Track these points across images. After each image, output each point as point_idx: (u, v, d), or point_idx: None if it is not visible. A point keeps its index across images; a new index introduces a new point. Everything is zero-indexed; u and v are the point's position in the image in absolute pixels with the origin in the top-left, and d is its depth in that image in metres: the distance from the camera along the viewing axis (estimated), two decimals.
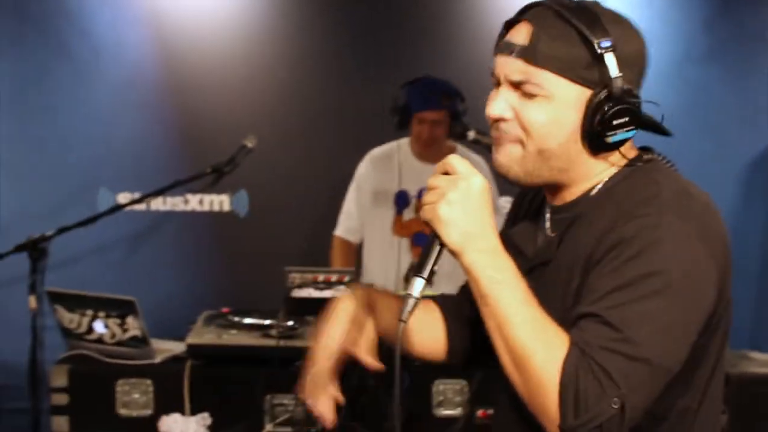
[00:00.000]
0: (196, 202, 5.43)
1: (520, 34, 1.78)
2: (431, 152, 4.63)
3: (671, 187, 1.72)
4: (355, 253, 4.88)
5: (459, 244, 1.67)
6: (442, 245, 1.70)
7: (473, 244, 1.67)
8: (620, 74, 1.72)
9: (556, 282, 1.78)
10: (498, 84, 1.83)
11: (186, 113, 5.45)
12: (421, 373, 3.69)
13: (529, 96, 1.76)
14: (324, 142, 5.48)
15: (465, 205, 1.67)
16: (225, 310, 4.08)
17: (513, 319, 1.64)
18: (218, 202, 5.43)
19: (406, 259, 4.69)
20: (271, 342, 3.68)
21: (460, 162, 1.71)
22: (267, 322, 3.83)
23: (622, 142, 1.78)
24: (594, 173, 1.83)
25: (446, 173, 1.71)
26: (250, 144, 3.89)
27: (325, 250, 4.89)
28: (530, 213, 2.01)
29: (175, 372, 3.67)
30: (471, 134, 3.92)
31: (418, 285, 1.70)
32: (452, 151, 4.65)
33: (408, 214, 4.70)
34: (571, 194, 1.86)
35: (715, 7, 5.68)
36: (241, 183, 5.20)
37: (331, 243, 4.88)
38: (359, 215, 4.80)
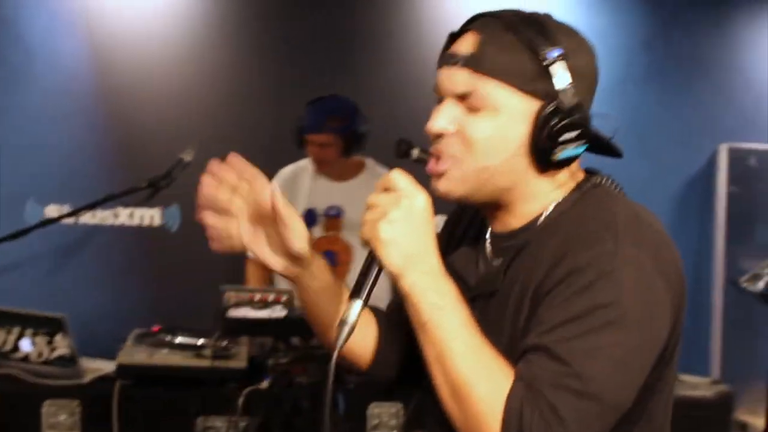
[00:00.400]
0: (126, 216, 5.30)
1: (466, 44, 1.69)
2: (336, 171, 4.61)
3: (625, 214, 1.63)
4: (267, 271, 4.77)
5: (399, 265, 1.58)
6: (381, 266, 1.61)
7: (414, 266, 1.58)
8: (570, 86, 1.64)
9: (502, 313, 1.68)
10: (441, 100, 1.73)
11: (120, 123, 5.31)
12: (357, 395, 3.62)
13: (475, 110, 1.67)
14: (260, 156, 5.34)
15: (407, 224, 1.58)
16: (156, 328, 3.97)
17: (454, 348, 1.54)
18: (149, 216, 5.31)
19: None
20: (205, 362, 3.59)
21: (402, 178, 1.60)
22: (200, 341, 3.73)
23: (570, 160, 1.69)
24: (540, 194, 1.73)
25: (387, 190, 1.61)
26: (187, 158, 3.79)
27: None
28: (468, 237, 1.91)
29: (104, 393, 3.56)
30: (415, 152, 3.84)
31: (355, 308, 1.59)
32: (360, 165, 4.67)
33: (317, 233, 4.63)
34: (515, 220, 1.76)
35: (654, 29, 5.72)
36: (172, 197, 5.08)
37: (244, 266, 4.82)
38: None
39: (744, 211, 5.91)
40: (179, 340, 3.81)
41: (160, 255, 5.33)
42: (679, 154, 5.76)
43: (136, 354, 3.68)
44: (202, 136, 5.09)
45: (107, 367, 3.75)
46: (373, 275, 1.62)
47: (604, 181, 1.75)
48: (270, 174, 4.77)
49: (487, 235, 1.84)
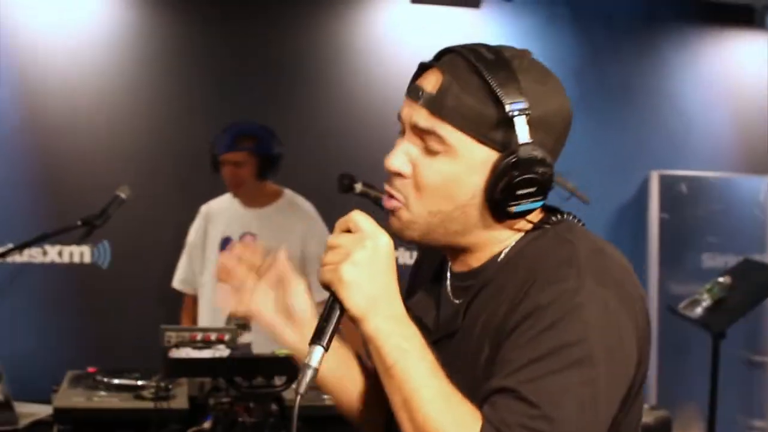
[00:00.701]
0: (55, 254, 5.17)
1: (429, 82, 1.63)
2: (251, 197, 4.61)
3: (586, 247, 1.59)
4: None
5: (362, 309, 1.52)
6: (342, 310, 1.54)
7: (378, 309, 1.53)
8: (530, 141, 1.57)
9: (463, 354, 1.63)
10: (403, 130, 1.67)
11: (48, 159, 5.17)
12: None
13: (432, 152, 1.61)
14: (192, 194, 5.31)
15: (371, 266, 1.52)
16: (91, 369, 3.88)
17: (421, 393, 1.49)
18: (78, 253, 5.19)
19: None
20: (146, 404, 3.50)
21: (364, 219, 1.55)
22: (140, 382, 3.65)
23: (526, 212, 1.64)
24: (497, 240, 1.68)
25: (349, 231, 1.56)
26: (123, 195, 3.71)
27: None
28: (427, 280, 1.86)
29: None
30: (358, 187, 3.84)
31: (317, 354, 1.52)
32: (277, 194, 4.69)
33: None
34: (475, 259, 1.71)
35: (584, 58, 5.77)
36: (102, 234, 4.98)
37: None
38: (187, 267, 4.73)
39: (675, 237, 5.99)
40: (117, 381, 3.72)
41: (92, 293, 5.20)
42: (611, 181, 5.81)
43: (73, 397, 3.58)
44: (129, 171, 5.08)
45: (42, 411, 3.65)
46: (335, 319, 1.55)
47: (565, 217, 1.71)
48: (206, 199, 4.81)
49: (448, 275, 1.79)
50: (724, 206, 6.07)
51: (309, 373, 1.51)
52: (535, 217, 1.69)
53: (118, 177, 4.27)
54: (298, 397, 1.51)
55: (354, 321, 1.54)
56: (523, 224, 1.68)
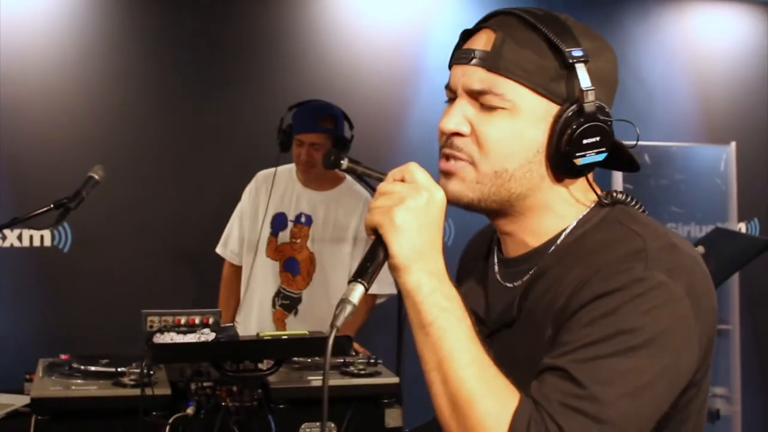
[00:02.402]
0: (14, 238, 5.04)
1: (481, 41, 1.62)
2: (316, 179, 4.56)
3: (658, 242, 1.55)
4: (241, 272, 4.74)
5: (407, 258, 1.49)
6: (386, 257, 1.52)
7: (422, 262, 1.50)
8: (592, 88, 1.56)
9: (524, 343, 1.60)
10: (452, 99, 1.65)
11: (11, 143, 5.05)
12: (288, 416, 3.49)
13: (490, 108, 1.59)
14: (153, 174, 5.22)
15: (423, 217, 1.50)
16: (64, 356, 3.75)
17: (458, 356, 1.46)
18: (38, 237, 5.06)
19: (276, 284, 4.57)
20: (126, 391, 3.39)
21: (421, 171, 1.54)
22: (119, 369, 3.54)
23: (590, 167, 1.62)
24: (556, 207, 1.65)
25: (404, 181, 1.54)
26: (96, 176, 3.58)
27: (157, 286, 4.65)
28: (473, 270, 1.83)
29: (19, 430, 3.32)
30: (344, 163, 3.77)
31: (357, 291, 1.50)
32: (339, 180, 4.64)
33: (283, 237, 4.57)
34: (531, 238, 1.68)
35: None
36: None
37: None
38: (239, 237, 4.66)
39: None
40: (93, 368, 3.61)
41: (54, 277, 5.10)
42: None
43: (50, 386, 3.44)
44: (94, 152, 4.97)
45: (18, 401, 3.53)
46: (377, 264, 1.53)
47: (624, 198, 1.67)
48: (165, 182, 4.71)
49: (496, 261, 1.77)
50: (686, 176, 6.08)
51: (348, 308, 1.48)
52: (592, 193, 1.67)
53: (80, 160, 4.17)
54: (334, 331, 1.47)
55: (395, 269, 1.51)
56: (582, 194, 1.66)
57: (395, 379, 3.71)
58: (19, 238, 5.05)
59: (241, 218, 4.67)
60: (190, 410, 3.33)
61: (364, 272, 1.51)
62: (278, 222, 4.58)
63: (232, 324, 3.56)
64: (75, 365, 3.63)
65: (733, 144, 6.05)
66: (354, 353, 3.75)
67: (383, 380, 3.70)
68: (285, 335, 3.36)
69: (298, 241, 4.56)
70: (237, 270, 4.73)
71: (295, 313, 4.54)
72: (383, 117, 5.63)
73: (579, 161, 1.59)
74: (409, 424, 3.73)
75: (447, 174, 1.64)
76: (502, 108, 1.58)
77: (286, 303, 4.56)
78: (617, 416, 1.42)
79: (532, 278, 1.65)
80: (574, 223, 1.65)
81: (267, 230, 4.59)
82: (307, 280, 4.55)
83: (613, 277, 1.49)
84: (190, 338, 3.22)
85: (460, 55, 1.64)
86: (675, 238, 1.58)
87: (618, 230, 1.59)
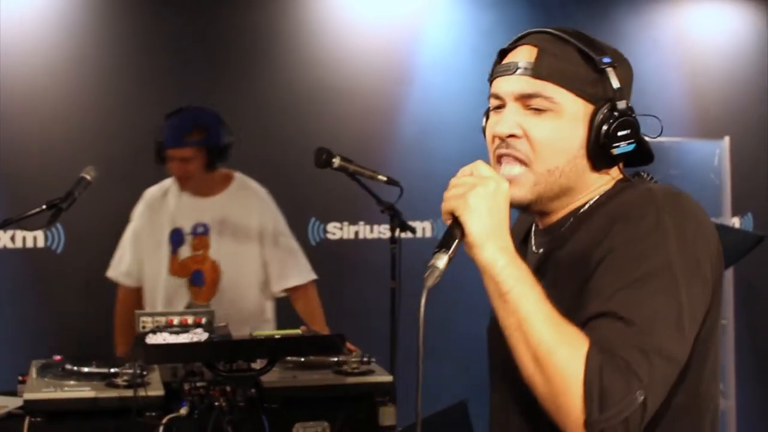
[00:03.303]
0: (7, 239, 5.03)
1: (523, 55, 1.87)
2: (200, 187, 4.47)
3: (663, 190, 1.80)
4: (138, 296, 4.61)
5: (482, 236, 1.72)
6: (462, 235, 1.74)
7: (495, 239, 1.73)
8: (621, 86, 1.84)
9: (552, 297, 1.76)
10: (499, 107, 1.89)
11: (5, 142, 5.04)
12: (281, 415, 3.49)
13: (537, 111, 1.84)
14: (146, 176, 5.19)
15: (492, 202, 1.73)
16: (57, 357, 3.75)
17: (534, 317, 1.67)
18: (31, 237, 5.05)
19: (184, 300, 4.48)
20: (120, 392, 3.39)
21: (487, 167, 1.79)
22: (112, 370, 3.53)
23: (622, 156, 1.88)
24: (591, 187, 1.92)
25: (472, 175, 1.78)
26: (89, 176, 3.57)
27: None
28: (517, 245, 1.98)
29: None
30: (336, 161, 3.79)
31: (443, 259, 1.73)
32: (227, 179, 4.54)
33: (184, 252, 4.49)
34: (563, 211, 1.94)
35: (539, 25, 5.64)
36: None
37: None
38: (132, 258, 4.55)
39: None
40: (86, 369, 3.60)
41: (48, 278, 5.09)
42: None
43: (43, 387, 3.44)
44: (86, 152, 4.96)
45: (11, 403, 3.51)
46: (455, 242, 1.75)
47: (643, 175, 1.96)
48: (143, 186, 4.70)
49: (532, 236, 2.05)
50: (679, 171, 6.05)
51: (435, 273, 1.72)
52: (615, 173, 1.94)
53: (72, 161, 4.16)
54: (426, 292, 1.71)
55: (471, 247, 1.74)
56: (614, 172, 1.93)
57: (389, 378, 3.70)
58: (12, 239, 5.05)
59: (135, 239, 4.56)
60: (183, 410, 3.32)
61: (448, 245, 1.74)
62: (176, 238, 4.47)
63: (225, 324, 3.55)
64: (68, 366, 3.63)
65: (727, 139, 6.05)
66: (347, 351, 3.75)
67: (377, 379, 3.70)
68: (278, 334, 3.34)
69: (200, 252, 4.46)
70: (133, 293, 4.60)
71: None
72: (376, 115, 5.62)
73: (615, 151, 1.85)
74: (403, 422, 3.72)
75: (506, 171, 1.88)
76: (548, 110, 1.84)
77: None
78: (667, 347, 1.65)
79: (558, 240, 1.91)
80: (599, 195, 1.92)
81: (167, 248, 4.49)
82: (213, 289, 4.46)
83: (630, 224, 1.74)
84: (183, 338, 3.21)
85: (504, 68, 1.89)
86: (679, 190, 1.82)
87: (630, 192, 1.86)
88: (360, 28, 5.56)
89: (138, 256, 4.54)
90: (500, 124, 1.86)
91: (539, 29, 1.91)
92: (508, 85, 1.87)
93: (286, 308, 4.61)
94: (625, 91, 1.87)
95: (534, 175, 1.86)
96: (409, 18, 5.67)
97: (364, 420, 3.63)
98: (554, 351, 1.64)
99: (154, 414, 3.35)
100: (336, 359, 3.75)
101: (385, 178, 3.90)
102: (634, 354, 1.61)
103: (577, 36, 1.87)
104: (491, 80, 1.93)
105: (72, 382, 3.51)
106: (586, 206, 1.91)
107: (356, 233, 5.62)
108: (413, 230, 4.09)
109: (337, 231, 5.59)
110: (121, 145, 5.19)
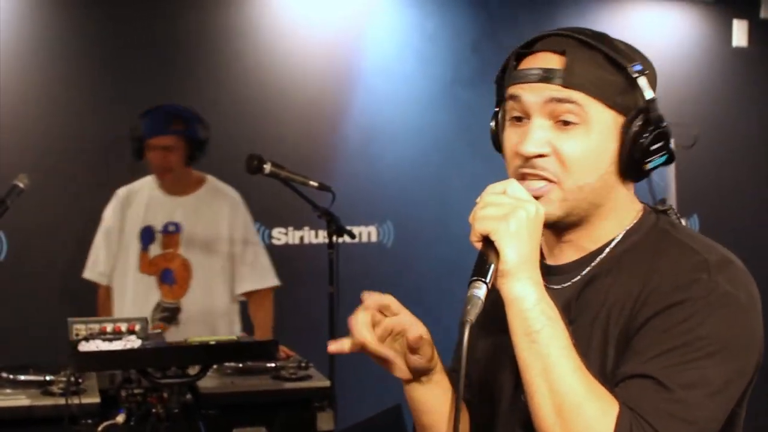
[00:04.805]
0: None
1: (549, 61, 1.67)
2: (176, 183, 4.50)
3: (713, 254, 1.63)
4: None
5: (517, 265, 1.55)
6: (495, 262, 1.56)
7: (528, 271, 1.56)
8: (655, 96, 1.66)
9: (578, 342, 1.62)
10: (519, 118, 1.70)
11: None
12: (219, 421, 3.50)
13: (566, 125, 1.66)
14: (90, 182, 5.18)
15: (532, 227, 1.57)
16: None
17: (565, 363, 1.53)
18: None
19: (155, 298, 4.48)
20: (55, 400, 3.39)
21: (523, 190, 1.60)
22: (47, 377, 3.53)
23: (654, 169, 1.72)
24: (620, 208, 1.73)
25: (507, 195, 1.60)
26: (21, 184, 3.55)
27: (91, 296, 4.61)
28: None
29: None
30: (267, 167, 3.80)
31: (482, 289, 1.54)
32: (200, 180, 4.57)
33: (154, 250, 4.49)
34: (587, 246, 1.75)
35: (482, 30, 5.76)
36: None
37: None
38: (107, 257, 4.54)
39: None
40: (23, 377, 3.60)
41: None
42: None
43: None
44: (29, 158, 4.94)
45: None
46: (491, 268, 1.56)
47: (665, 208, 1.77)
48: (105, 188, 4.68)
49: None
50: None
51: (478, 304, 1.53)
52: (635, 201, 1.75)
53: (13, 167, 4.14)
54: (468, 324, 1.52)
55: (504, 275, 1.56)
56: (633, 199, 1.74)
57: (327, 383, 3.72)
58: None
59: (107, 238, 4.56)
60: (120, 418, 3.33)
61: (485, 273, 1.55)
62: (146, 235, 4.48)
63: (160, 331, 3.55)
64: (3, 375, 3.62)
65: (672, 140, 6.08)
66: (282, 357, 3.77)
67: (315, 384, 3.73)
68: (212, 340, 3.34)
69: (170, 250, 4.47)
70: (106, 290, 4.62)
71: (177, 324, 4.45)
72: (319, 120, 5.61)
73: (649, 165, 1.68)
74: (341, 426, 3.74)
75: (534, 190, 1.68)
76: (577, 124, 1.65)
77: (166, 315, 4.46)
78: (703, 417, 1.53)
79: (585, 281, 1.73)
80: (624, 231, 1.73)
81: (137, 246, 4.50)
82: (184, 287, 4.47)
83: (683, 287, 1.57)
84: (116, 345, 3.20)
85: (527, 74, 1.69)
86: (725, 251, 1.67)
87: (673, 243, 1.68)
88: (303, 31, 5.54)
89: (112, 255, 4.54)
90: (527, 143, 1.66)
91: (558, 31, 1.71)
92: (533, 94, 1.67)
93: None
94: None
95: (563, 192, 1.67)
96: (352, 21, 5.65)
97: (302, 425, 3.65)
98: (584, 404, 1.51)
99: (90, 422, 3.36)
100: (274, 365, 3.77)
101: (316, 184, 3.89)
102: (666, 422, 1.50)
103: (602, 40, 1.68)
104: (506, 85, 1.73)
105: (8, 391, 3.51)
106: (613, 243, 1.73)
107: (301, 238, 5.62)
108: (352, 235, 4.07)
109: (282, 236, 5.60)
110: (66, 153, 5.16)
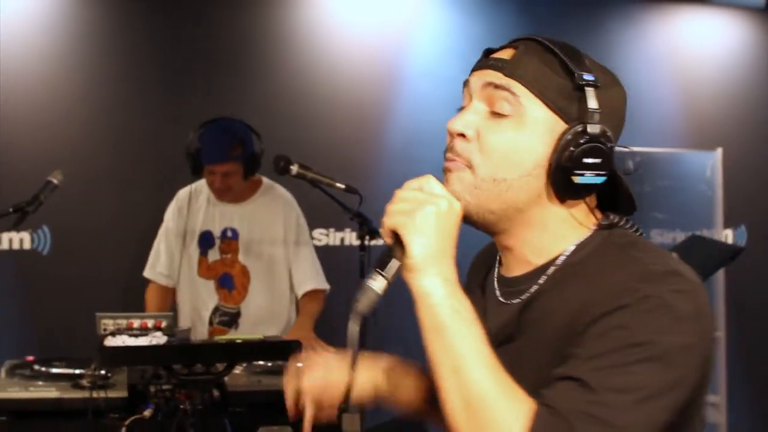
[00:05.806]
0: None
1: (503, 53, 1.69)
2: (234, 195, 4.54)
3: (661, 266, 1.58)
4: (169, 295, 4.69)
5: (425, 260, 1.54)
6: (401, 257, 1.56)
7: (438, 266, 1.55)
8: (599, 110, 1.61)
9: (525, 358, 1.63)
10: (465, 105, 1.71)
11: None
12: (245, 419, 3.52)
13: (498, 116, 1.64)
14: (134, 179, 5.24)
15: (441, 223, 1.56)
16: (30, 358, 3.81)
17: (473, 358, 1.51)
18: (18, 239, 5.10)
19: (213, 302, 4.57)
20: (83, 393, 3.44)
21: (439, 184, 1.60)
22: (78, 371, 3.58)
23: (588, 189, 1.66)
24: (556, 227, 1.70)
25: (421, 190, 1.59)
26: (55, 180, 3.62)
27: (134, 292, 4.67)
28: (477, 287, 1.88)
29: None
30: (294, 168, 3.82)
31: (380, 282, 1.57)
32: (256, 185, 4.62)
33: (213, 255, 4.56)
34: (531, 259, 1.72)
35: (528, 33, 5.73)
36: (42, 219, 4.90)
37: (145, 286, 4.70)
38: (168, 258, 4.62)
39: None
40: (55, 370, 3.66)
41: (32, 280, 5.12)
42: None
43: (10, 387, 3.50)
44: (68, 158, 4.99)
45: None
46: (395, 265, 1.57)
47: (620, 222, 1.72)
48: (149, 185, 4.73)
49: (495, 279, 1.82)
50: (671, 182, 6.05)
51: (371, 296, 1.56)
52: (594, 218, 1.72)
53: (56, 162, 4.18)
54: (356, 318, 1.57)
55: (411, 270, 1.55)
56: (583, 218, 1.71)
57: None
58: None
59: (167, 239, 4.63)
60: (147, 412, 3.36)
61: (384, 264, 1.57)
62: (205, 240, 4.55)
63: (187, 328, 3.58)
64: (36, 367, 3.68)
65: (720, 150, 6.02)
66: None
67: None
68: (239, 339, 3.37)
69: (229, 256, 4.54)
70: (164, 292, 4.67)
71: (236, 327, 4.54)
72: (363, 123, 5.63)
73: (577, 179, 1.62)
74: (367, 427, 3.73)
75: (446, 171, 1.69)
76: (510, 116, 1.64)
77: (225, 319, 4.55)
78: (626, 423, 1.47)
79: (531, 297, 1.69)
80: (574, 246, 1.69)
81: (196, 250, 4.57)
82: (243, 293, 4.55)
83: (622, 295, 1.52)
84: (142, 341, 3.24)
85: (479, 64, 1.71)
86: (675, 264, 1.61)
87: (620, 256, 1.63)
88: (349, 36, 5.58)
89: (171, 257, 4.61)
90: (455, 119, 1.67)
91: (529, 35, 1.72)
92: (477, 78, 1.68)
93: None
94: (609, 120, 1.64)
95: (475, 178, 1.64)
96: (398, 26, 5.68)
97: (328, 425, 3.64)
98: (493, 399, 1.48)
99: (117, 416, 3.39)
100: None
101: (343, 186, 3.91)
102: (589, 425, 1.45)
103: (564, 48, 1.66)
104: (469, 76, 1.73)
105: (39, 383, 3.57)
106: (560, 261, 1.69)
107: (341, 239, 5.65)
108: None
109: (323, 237, 5.63)
110: (107, 149, 5.23)
